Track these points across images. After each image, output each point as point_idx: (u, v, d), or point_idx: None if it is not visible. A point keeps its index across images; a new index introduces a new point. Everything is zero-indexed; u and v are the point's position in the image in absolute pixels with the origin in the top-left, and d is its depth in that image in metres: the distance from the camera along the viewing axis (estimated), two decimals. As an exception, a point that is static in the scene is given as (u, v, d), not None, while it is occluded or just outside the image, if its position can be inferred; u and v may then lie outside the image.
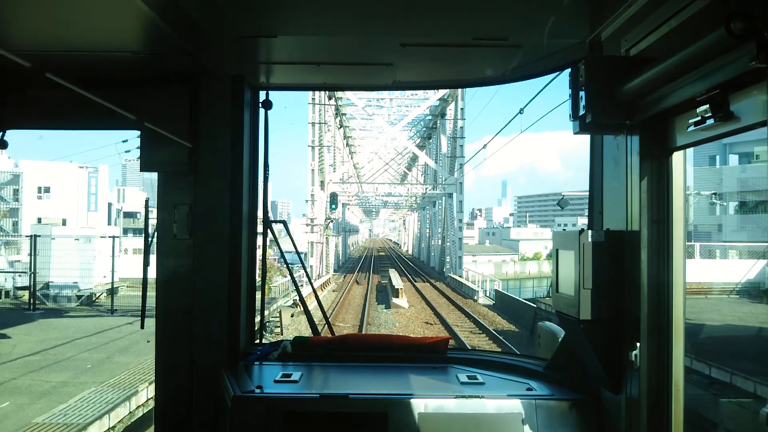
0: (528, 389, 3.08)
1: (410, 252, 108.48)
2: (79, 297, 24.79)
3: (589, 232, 2.58)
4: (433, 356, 3.62)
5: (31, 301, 23.36)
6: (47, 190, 66.09)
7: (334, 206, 45.86)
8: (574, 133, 2.56)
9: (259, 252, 3.86)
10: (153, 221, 3.64)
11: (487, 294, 37.94)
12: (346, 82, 4.43)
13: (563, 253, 2.76)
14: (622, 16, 2.52)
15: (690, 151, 2.42)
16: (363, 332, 22.82)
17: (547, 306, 26.78)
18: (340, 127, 61.46)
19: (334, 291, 39.68)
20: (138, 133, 3.48)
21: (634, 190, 2.48)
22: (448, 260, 51.86)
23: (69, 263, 24.20)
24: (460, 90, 47.87)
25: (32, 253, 23.90)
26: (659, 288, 2.43)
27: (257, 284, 3.83)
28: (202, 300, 3.50)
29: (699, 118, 2.01)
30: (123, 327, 18.46)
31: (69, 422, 9.55)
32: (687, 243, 2.51)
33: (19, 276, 26.39)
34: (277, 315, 24.07)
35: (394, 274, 42.54)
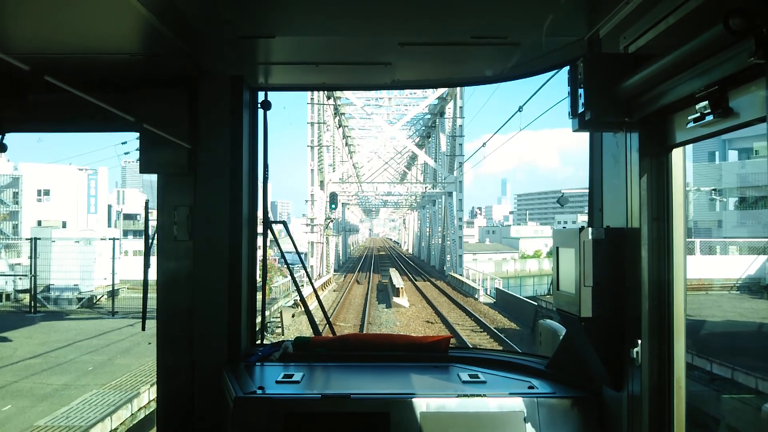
0: (530, 387, 3.09)
1: (410, 251, 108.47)
2: (79, 299, 24.77)
3: (590, 229, 2.58)
4: (435, 355, 3.62)
5: (32, 304, 23.37)
6: (47, 192, 66.06)
7: (333, 206, 45.81)
8: (574, 131, 2.56)
9: (259, 252, 3.86)
10: (153, 223, 3.64)
11: (488, 292, 37.92)
12: (344, 81, 4.43)
13: (564, 251, 2.76)
14: (620, 13, 2.52)
15: (689, 147, 2.42)
16: (364, 332, 22.83)
17: (547, 304, 26.79)
18: (339, 126, 61.43)
19: (334, 291, 39.67)
20: (137, 135, 3.49)
21: (634, 187, 2.48)
22: (448, 259, 51.86)
23: (69, 266, 24.17)
24: (458, 88, 47.84)
25: (32, 256, 23.90)
26: (660, 285, 2.43)
27: (258, 285, 3.83)
28: (203, 301, 3.50)
29: (698, 114, 2.01)
30: (124, 329, 18.47)
31: (71, 425, 9.55)
32: (687, 239, 2.51)
33: (20, 279, 26.38)
34: (278, 315, 24.07)
35: (394, 273, 42.53)
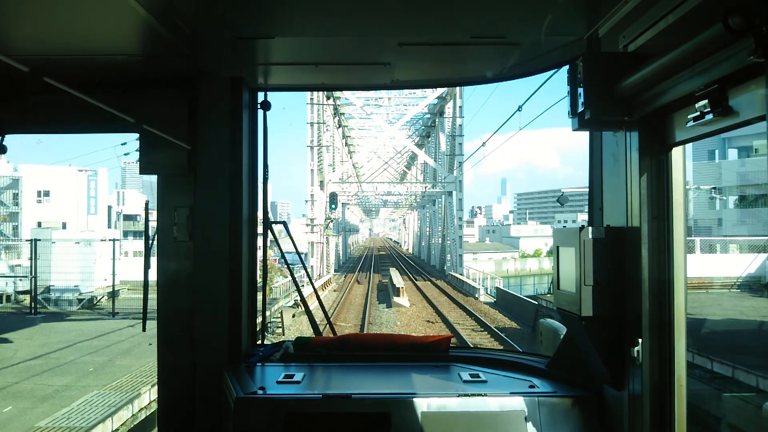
0: (530, 387, 3.09)
1: (411, 251, 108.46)
2: (80, 300, 24.77)
3: (590, 228, 2.58)
4: (435, 355, 3.63)
5: (33, 306, 23.34)
6: (47, 193, 65.97)
7: (333, 206, 45.81)
8: (573, 130, 2.57)
9: (259, 253, 3.86)
10: (153, 224, 3.64)
11: (488, 292, 37.91)
12: (344, 82, 4.44)
13: (564, 250, 2.76)
14: (619, 12, 2.52)
15: (689, 146, 2.42)
16: (365, 332, 22.83)
17: (548, 303, 26.77)
18: (339, 126, 61.42)
19: (335, 291, 39.67)
20: (137, 135, 3.49)
21: (634, 187, 2.48)
22: (448, 258, 51.86)
23: (70, 267, 24.15)
24: (458, 88, 47.84)
25: (33, 257, 23.88)
26: (660, 284, 2.43)
27: (258, 285, 3.83)
28: (204, 302, 3.50)
29: (698, 113, 2.02)
30: (124, 330, 18.46)
31: (72, 426, 9.55)
32: (687, 238, 2.51)
33: (20, 280, 26.37)
34: (279, 316, 24.08)
35: (394, 273, 42.53)
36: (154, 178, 3.60)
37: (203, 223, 3.51)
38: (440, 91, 50.27)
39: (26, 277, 24.77)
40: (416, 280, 46.51)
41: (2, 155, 3.14)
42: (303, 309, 18.34)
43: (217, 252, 3.52)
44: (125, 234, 66.00)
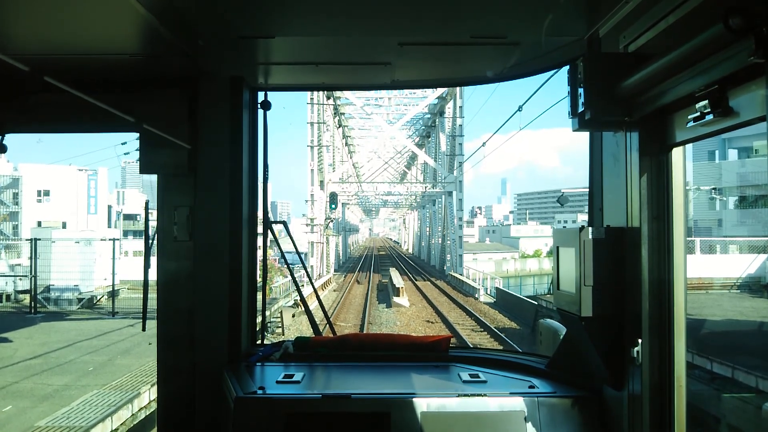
0: (530, 387, 3.09)
1: (411, 251, 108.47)
2: (80, 300, 24.76)
3: (590, 229, 2.58)
4: (435, 355, 3.63)
5: (32, 305, 23.35)
6: (47, 193, 65.95)
7: (333, 206, 45.79)
8: (574, 131, 2.57)
9: (259, 253, 3.86)
10: (153, 223, 3.64)
11: (488, 292, 37.90)
12: (344, 81, 4.44)
13: (564, 251, 2.76)
14: (619, 12, 2.52)
15: (689, 146, 2.43)
16: (364, 332, 22.82)
17: (548, 303, 26.78)
18: (339, 126, 61.41)
19: (335, 291, 39.67)
20: (137, 135, 3.49)
21: (634, 187, 2.48)
22: (448, 258, 51.86)
23: (69, 266, 24.15)
24: (458, 88, 47.84)
25: (33, 257, 23.89)
26: (660, 284, 2.43)
27: (258, 285, 3.83)
28: (203, 301, 3.50)
29: (698, 113, 2.02)
30: (124, 329, 18.46)
31: (71, 425, 9.55)
32: (687, 238, 2.51)
33: (20, 279, 26.37)
34: (279, 315, 24.08)
35: (394, 273, 42.51)
36: (154, 177, 3.60)
37: (203, 223, 3.51)
38: (440, 91, 50.27)
39: (26, 276, 24.77)
40: (416, 280, 46.50)
41: (2, 154, 3.14)
42: (303, 309, 18.35)
43: (217, 252, 3.52)
44: (125, 233, 65.98)
